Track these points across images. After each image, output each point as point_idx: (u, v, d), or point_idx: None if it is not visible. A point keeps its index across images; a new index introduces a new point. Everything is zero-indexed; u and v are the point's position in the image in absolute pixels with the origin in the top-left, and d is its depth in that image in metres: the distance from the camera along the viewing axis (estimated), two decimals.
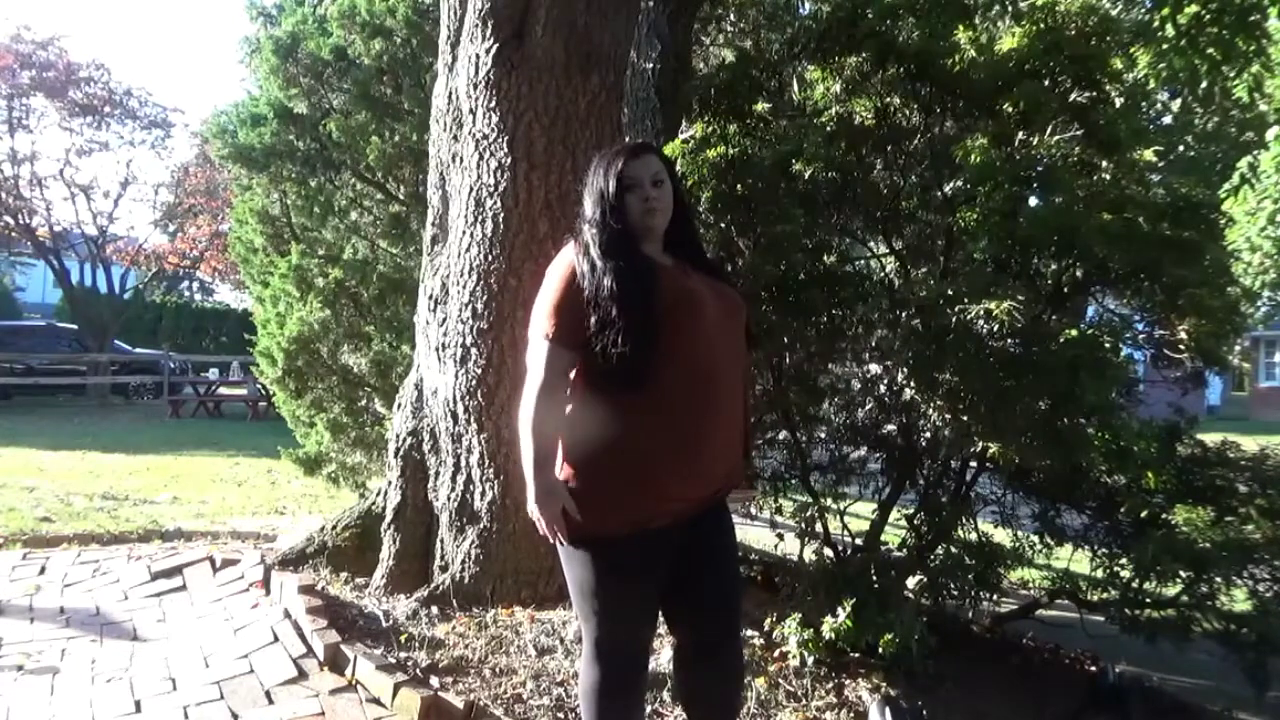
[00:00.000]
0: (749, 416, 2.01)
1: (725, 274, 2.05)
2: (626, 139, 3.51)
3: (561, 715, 2.53)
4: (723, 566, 1.93)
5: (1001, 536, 3.48)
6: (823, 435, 3.77)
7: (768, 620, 2.97)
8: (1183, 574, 2.92)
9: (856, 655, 2.89)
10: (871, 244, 3.74)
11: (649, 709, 2.49)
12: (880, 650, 2.76)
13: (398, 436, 3.58)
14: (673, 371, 1.75)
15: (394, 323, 5.37)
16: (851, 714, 2.66)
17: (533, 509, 1.81)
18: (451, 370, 3.29)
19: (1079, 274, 3.16)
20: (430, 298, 3.54)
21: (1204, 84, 5.55)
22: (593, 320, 1.74)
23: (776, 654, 2.90)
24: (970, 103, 3.28)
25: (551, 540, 1.83)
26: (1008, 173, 2.98)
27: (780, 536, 3.82)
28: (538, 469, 1.78)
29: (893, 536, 3.53)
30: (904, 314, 3.03)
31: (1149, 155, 3.31)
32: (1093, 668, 3.61)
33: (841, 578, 2.96)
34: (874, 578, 2.93)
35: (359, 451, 5.53)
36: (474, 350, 3.22)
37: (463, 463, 3.27)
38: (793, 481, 3.70)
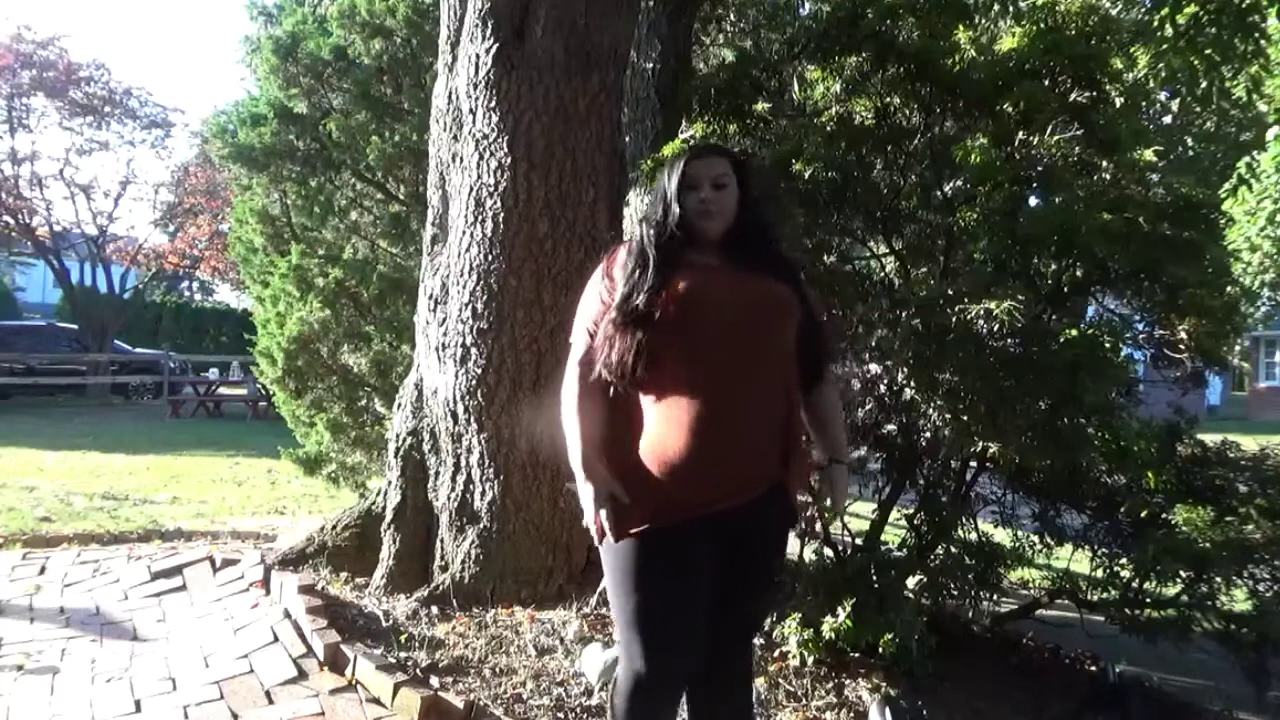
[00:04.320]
0: (795, 421, 1.89)
1: (789, 274, 1.95)
2: (626, 139, 3.51)
3: (561, 715, 2.53)
4: (758, 587, 1.90)
5: (1001, 536, 3.47)
6: None
7: (768, 620, 2.97)
8: (1183, 574, 2.92)
9: (856, 655, 2.89)
10: (871, 244, 3.73)
11: None
12: (880, 650, 2.76)
13: (398, 436, 3.58)
14: (670, 374, 1.78)
15: (394, 323, 5.37)
16: (851, 714, 2.66)
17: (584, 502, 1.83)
18: (451, 370, 3.29)
19: (1079, 274, 3.16)
20: (430, 298, 3.53)
21: (1202, 84, 5.54)
22: (602, 315, 1.84)
23: (776, 654, 2.90)
24: (970, 103, 3.28)
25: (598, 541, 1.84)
26: (1008, 173, 2.98)
27: None
28: (579, 463, 1.82)
29: (893, 536, 3.53)
30: (904, 314, 3.03)
31: (1149, 155, 3.31)
32: (1093, 668, 3.61)
33: (841, 578, 2.95)
34: (874, 578, 2.93)
35: (359, 451, 5.53)
36: (474, 350, 3.22)
37: (463, 463, 3.27)
38: None
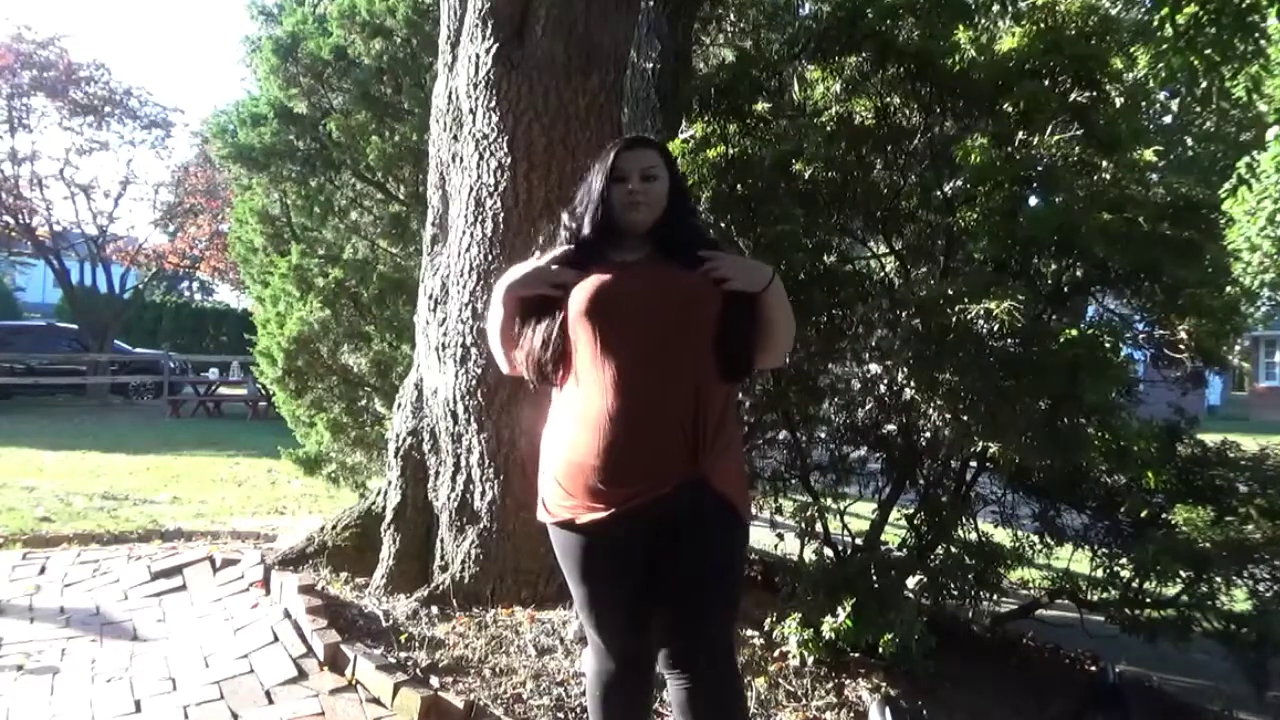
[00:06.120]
0: (709, 414, 1.78)
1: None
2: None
3: (561, 715, 2.53)
4: (696, 581, 1.81)
5: (1001, 536, 3.48)
6: (823, 435, 3.77)
7: (768, 620, 2.97)
8: (1183, 574, 2.92)
9: (856, 655, 2.89)
10: (871, 244, 3.74)
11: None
12: (880, 650, 2.76)
13: (398, 436, 3.58)
14: (579, 369, 1.79)
15: (394, 323, 5.37)
16: (851, 714, 2.66)
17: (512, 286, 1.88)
18: (451, 370, 3.29)
19: (1079, 274, 3.16)
20: (430, 298, 3.54)
21: (1202, 84, 5.56)
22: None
23: (776, 654, 2.90)
24: (970, 103, 3.29)
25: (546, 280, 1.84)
26: (1008, 173, 2.98)
27: (780, 536, 3.82)
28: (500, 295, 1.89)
29: (893, 536, 3.53)
30: (904, 314, 3.03)
31: (1149, 155, 3.31)
32: (1093, 668, 3.62)
33: (841, 578, 2.95)
34: (874, 578, 2.93)
35: (359, 451, 5.53)
36: (474, 350, 3.22)
37: (463, 463, 3.27)
38: (793, 481, 3.70)
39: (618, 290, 1.79)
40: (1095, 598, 3.29)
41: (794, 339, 2.01)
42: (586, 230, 1.87)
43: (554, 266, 1.86)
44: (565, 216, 1.92)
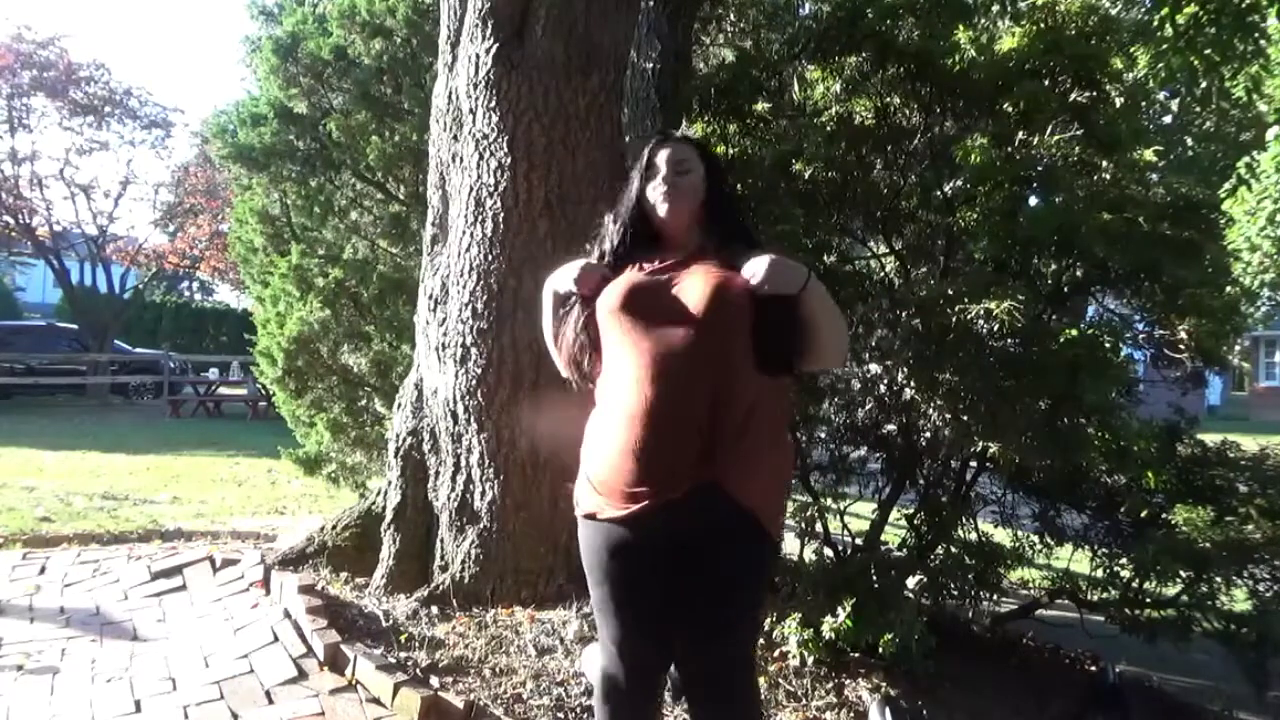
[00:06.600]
0: (730, 418, 1.73)
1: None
2: (626, 139, 3.51)
3: (561, 715, 2.53)
4: (712, 596, 1.77)
5: (1001, 536, 3.48)
6: (823, 435, 3.76)
7: (768, 620, 2.97)
8: (1183, 574, 2.92)
9: (856, 655, 2.89)
10: (871, 244, 3.74)
11: None
12: (880, 650, 2.76)
13: (398, 436, 3.58)
14: (611, 371, 1.83)
15: (394, 323, 5.36)
16: (851, 714, 2.66)
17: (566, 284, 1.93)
18: (451, 370, 3.29)
19: (1079, 274, 3.16)
20: (430, 298, 3.54)
21: (1202, 84, 5.56)
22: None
23: (776, 654, 2.90)
24: (970, 103, 3.28)
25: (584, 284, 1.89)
26: (1008, 173, 2.98)
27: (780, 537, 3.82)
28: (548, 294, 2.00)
29: (893, 536, 3.53)
30: (904, 314, 3.03)
31: (1149, 155, 3.31)
32: (1093, 668, 3.61)
33: (841, 578, 2.95)
34: (874, 578, 2.93)
35: (359, 451, 5.53)
36: (474, 350, 3.22)
37: (463, 463, 3.27)
38: (793, 481, 3.70)
39: (647, 288, 1.81)
40: (1095, 598, 3.29)
41: (846, 338, 1.99)
42: (623, 229, 1.91)
43: (594, 263, 1.90)
44: (608, 217, 1.96)
